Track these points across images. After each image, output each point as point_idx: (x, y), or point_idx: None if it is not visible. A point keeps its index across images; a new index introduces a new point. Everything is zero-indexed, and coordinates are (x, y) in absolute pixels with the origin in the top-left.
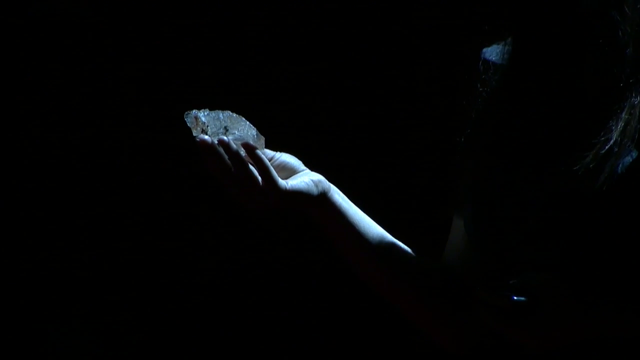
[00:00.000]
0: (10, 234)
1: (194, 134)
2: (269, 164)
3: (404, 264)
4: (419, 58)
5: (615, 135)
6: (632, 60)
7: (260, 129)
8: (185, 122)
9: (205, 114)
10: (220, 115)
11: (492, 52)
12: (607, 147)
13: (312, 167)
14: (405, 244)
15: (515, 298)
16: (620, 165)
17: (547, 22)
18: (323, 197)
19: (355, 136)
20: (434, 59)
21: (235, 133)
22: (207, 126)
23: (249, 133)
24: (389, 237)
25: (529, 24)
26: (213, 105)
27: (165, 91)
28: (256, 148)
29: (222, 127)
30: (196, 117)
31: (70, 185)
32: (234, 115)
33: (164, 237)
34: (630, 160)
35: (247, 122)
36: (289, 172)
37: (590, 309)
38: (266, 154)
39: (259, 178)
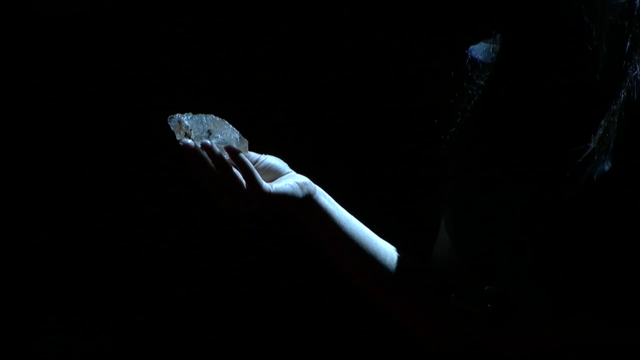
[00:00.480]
0: (14, 235)
1: (178, 138)
2: (252, 167)
3: (390, 264)
4: (407, 56)
5: (593, 143)
6: (606, 63)
7: (244, 132)
8: (168, 126)
9: (189, 117)
10: (204, 119)
11: (479, 51)
12: (584, 155)
13: (298, 169)
14: (393, 244)
15: (490, 305)
16: (596, 174)
17: (531, 22)
18: (308, 199)
19: (341, 138)
20: (422, 57)
21: (218, 137)
22: (191, 130)
23: (232, 136)
24: (376, 237)
25: (514, 23)
26: (196, 109)
27: (148, 95)
28: (239, 151)
29: (205, 131)
30: (179, 121)
31: (61, 185)
32: (217, 118)
33: (158, 237)
34: (605, 169)
35: (230, 126)
36: (274, 174)
37: (565, 316)
38: (251, 156)
39: (243, 181)
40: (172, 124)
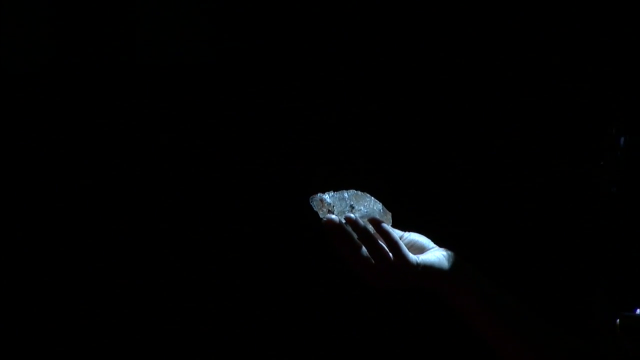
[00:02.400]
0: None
1: (321, 216)
2: (397, 238)
3: (543, 341)
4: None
5: None
6: None
7: (387, 206)
8: (311, 207)
9: (330, 195)
10: (345, 194)
11: None
12: None
13: (442, 245)
14: (544, 317)
15: None
16: None
17: None
18: (454, 272)
19: (485, 213)
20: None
21: (361, 209)
22: (333, 207)
23: (375, 208)
24: (525, 310)
25: None
26: (337, 186)
27: (289, 177)
28: (383, 222)
29: (347, 206)
30: (321, 200)
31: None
32: (359, 192)
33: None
34: None
35: (372, 198)
36: (419, 250)
37: None
38: (395, 233)
39: (389, 254)
40: (315, 204)
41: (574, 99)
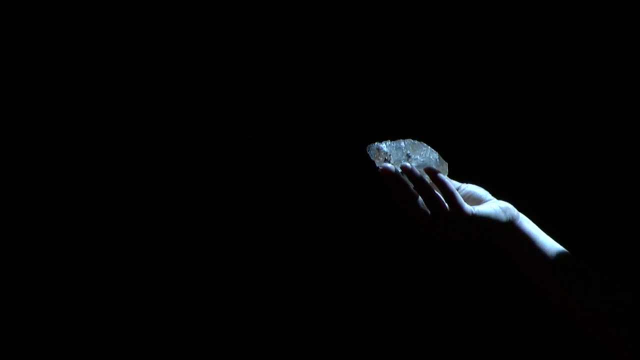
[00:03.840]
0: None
1: (377, 165)
2: (453, 188)
3: (597, 293)
4: None
5: None
6: None
7: (444, 156)
8: (367, 155)
9: (387, 144)
10: (402, 143)
11: None
12: None
13: (500, 196)
14: (600, 272)
15: None
16: None
17: None
18: (511, 224)
19: (543, 167)
20: None
21: (417, 158)
22: (390, 155)
23: (431, 157)
24: (582, 264)
25: None
26: (395, 135)
27: (348, 125)
28: (439, 171)
29: (404, 155)
30: (378, 149)
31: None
32: (415, 142)
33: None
34: None
35: (429, 147)
36: (476, 202)
37: None
38: (452, 184)
39: (445, 204)
40: (371, 153)
41: None
